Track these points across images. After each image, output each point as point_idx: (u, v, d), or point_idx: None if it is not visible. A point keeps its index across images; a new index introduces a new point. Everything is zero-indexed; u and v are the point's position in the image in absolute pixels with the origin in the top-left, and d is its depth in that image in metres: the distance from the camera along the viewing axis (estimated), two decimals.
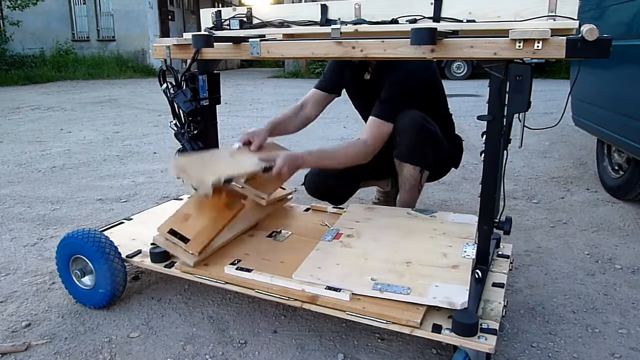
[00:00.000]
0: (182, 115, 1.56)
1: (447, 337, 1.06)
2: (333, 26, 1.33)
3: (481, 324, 1.08)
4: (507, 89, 1.14)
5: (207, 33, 1.50)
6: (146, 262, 1.44)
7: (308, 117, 1.90)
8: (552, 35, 1.00)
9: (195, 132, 1.57)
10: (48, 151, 3.83)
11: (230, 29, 1.54)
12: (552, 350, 1.27)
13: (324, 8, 1.40)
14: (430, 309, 1.13)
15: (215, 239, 1.41)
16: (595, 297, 1.53)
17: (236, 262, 1.38)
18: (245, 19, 1.52)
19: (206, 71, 1.57)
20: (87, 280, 1.48)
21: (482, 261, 1.27)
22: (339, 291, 1.18)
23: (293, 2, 9.09)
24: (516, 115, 1.19)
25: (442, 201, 2.48)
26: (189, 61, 1.46)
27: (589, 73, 2.47)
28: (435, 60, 1.21)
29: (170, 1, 13.95)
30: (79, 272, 1.48)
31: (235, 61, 17.15)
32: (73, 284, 1.50)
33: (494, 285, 1.29)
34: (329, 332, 1.36)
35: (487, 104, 1.17)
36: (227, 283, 1.31)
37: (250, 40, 1.34)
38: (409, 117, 1.65)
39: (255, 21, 1.51)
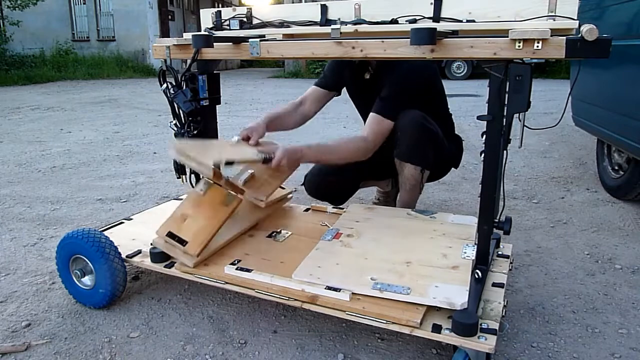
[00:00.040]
0: (182, 115, 1.56)
1: (447, 337, 1.06)
2: (333, 26, 1.33)
3: (481, 324, 1.08)
4: (507, 89, 1.14)
5: (207, 33, 1.50)
6: (146, 262, 1.44)
7: (307, 114, 1.90)
8: (552, 35, 1.00)
9: (195, 132, 1.57)
10: (48, 151, 3.83)
11: (230, 29, 1.54)
12: (552, 350, 1.27)
13: (324, 8, 1.40)
14: (430, 309, 1.13)
15: (214, 238, 1.41)
16: (595, 297, 1.53)
17: (236, 262, 1.38)
18: (245, 19, 1.52)
19: (206, 71, 1.57)
20: (87, 280, 1.48)
21: (482, 261, 1.27)
22: (339, 291, 1.18)
23: (293, 2, 9.10)
24: (516, 115, 1.19)
25: (442, 201, 2.48)
26: (189, 61, 1.46)
27: (589, 73, 2.47)
28: (435, 60, 1.21)
29: (170, 1, 13.95)
30: (79, 272, 1.48)
31: (235, 61, 17.15)
32: (73, 284, 1.50)
33: (494, 285, 1.29)
34: (329, 332, 1.36)
35: (487, 104, 1.17)
36: (227, 283, 1.31)
37: (250, 40, 1.34)
38: (409, 117, 1.65)
39: (255, 21, 1.51)
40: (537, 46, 1.01)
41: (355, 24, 1.35)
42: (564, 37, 1.00)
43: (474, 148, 3.51)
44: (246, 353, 1.28)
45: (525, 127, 1.23)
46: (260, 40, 1.34)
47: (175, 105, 1.53)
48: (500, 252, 1.48)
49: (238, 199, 1.43)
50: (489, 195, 1.23)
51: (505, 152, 1.22)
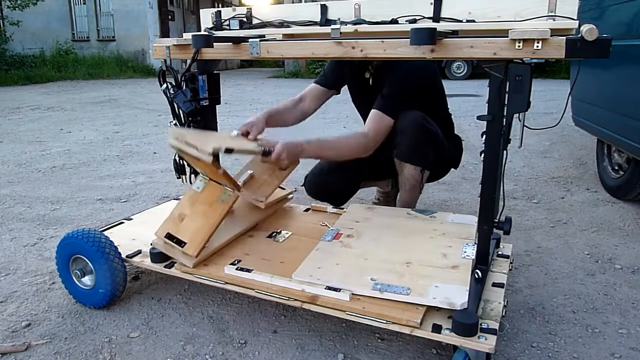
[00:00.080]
0: (182, 115, 1.56)
1: (447, 337, 1.06)
2: (333, 26, 1.33)
3: (481, 324, 1.08)
4: (507, 89, 1.14)
5: (207, 33, 1.49)
6: (146, 262, 1.44)
7: (306, 111, 1.90)
8: (551, 35, 1.00)
9: None
10: (48, 151, 3.83)
11: (230, 29, 1.54)
12: (552, 350, 1.27)
13: (324, 8, 1.40)
14: (430, 309, 1.13)
15: (214, 238, 1.41)
16: (595, 297, 1.53)
17: (236, 262, 1.38)
18: (245, 19, 1.52)
19: (206, 71, 1.57)
20: (87, 280, 1.48)
21: (482, 261, 1.27)
22: (339, 291, 1.18)
23: (293, 2, 9.10)
24: (516, 115, 1.19)
25: (442, 201, 2.48)
26: (188, 61, 1.46)
27: (589, 73, 2.47)
28: (435, 60, 1.21)
29: (170, 1, 13.95)
30: (79, 272, 1.48)
31: (235, 61, 17.15)
32: (73, 284, 1.50)
33: (494, 285, 1.29)
34: (329, 332, 1.36)
35: (487, 104, 1.17)
36: (227, 283, 1.31)
37: (250, 40, 1.34)
38: (409, 117, 1.65)
39: (255, 21, 1.51)
40: (537, 46, 1.01)
41: (355, 24, 1.35)
42: (564, 37, 1.00)
43: (474, 148, 3.51)
44: (246, 353, 1.28)
45: (525, 127, 1.23)
46: (260, 40, 1.34)
47: (175, 105, 1.53)
48: (500, 252, 1.48)
49: (235, 195, 1.41)
50: (489, 195, 1.23)
51: (505, 152, 1.22)
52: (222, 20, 1.56)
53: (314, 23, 1.42)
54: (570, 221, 2.18)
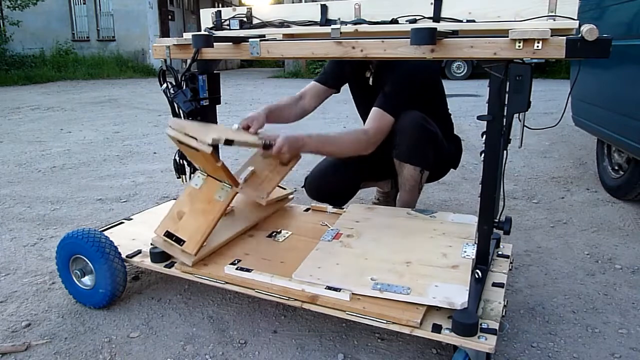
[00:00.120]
0: (182, 115, 1.56)
1: (447, 337, 1.06)
2: (333, 26, 1.33)
3: (481, 324, 1.08)
4: (507, 89, 1.14)
5: (207, 33, 1.50)
6: (146, 262, 1.44)
7: (306, 108, 1.90)
8: (552, 35, 1.00)
9: None
10: (48, 151, 3.83)
11: (230, 29, 1.54)
12: (552, 350, 1.27)
13: (324, 8, 1.40)
14: (430, 309, 1.13)
15: (214, 237, 1.41)
16: (595, 297, 1.53)
17: (236, 262, 1.38)
18: (245, 19, 1.52)
19: (206, 71, 1.57)
20: (87, 280, 1.48)
21: (482, 261, 1.27)
22: (339, 291, 1.18)
23: (293, 2, 9.10)
24: (516, 115, 1.19)
25: (442, 201, 2.48)
26: (189, 61, 1.46)
27: (589, 73, 2.47)
28: (435, 60, 1.21)
29: (170, 1, 13.95)
30: (79, 272, 1.48)
31: (235, 61, 17.15)
32: (73, 284, 1.50)
33: (494, 285, 1.29)
34: (329, 332, 1.36)
35: (487, 104, 1.17)
36: (227, 283, 1.31)
37: (250, 40, 1.34)
38: (409, 118, 1.65)
39: (255, 21, 1.51)
40: (537, 46, 1.01)
41: (355, 24, 1.35)
42: (564, 37, 1.00)
43: (474, 148, 3.51)
44: (246, 353, 1.28)
45: (525, 127, 1.23)
46: (260, 40, 1.34)
47: (175, 105, 1.53)
48: (500, 252, 1.48)
49: (233, 192, 1.40)
50: (489, 195, 1.23)
51: (505, 152, 1.22)
52: (222, 20, 1.56)
53: (314, 23, 1.42)
54: (570, 221, 2.18)
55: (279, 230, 1.61)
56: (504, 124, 1.17)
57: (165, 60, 1.51)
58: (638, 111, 1.94)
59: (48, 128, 4.93)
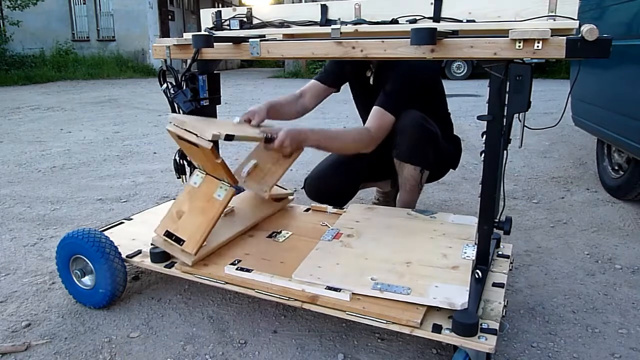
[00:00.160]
0: None
1: (447, 337, 1.06)
2: (333, 26, 1.33)
3: (481, 324, 1.08)
4: (507, 89, 1.14)
5: (207, 33, 1.50)
6: (146, 262, 1.44)
7: (306, 106, 1.90)
8: (552, 35, 1.00)
9: None
10: (48, 151, 3.83)
11: (230, 29, 1.54)
12: (552, 350, 1.27)
13: (324, 8, 1.40)
14: (430, 309, 1.13)
15: (214, 237, 1.40)
16: (595, 297, 1.53)
17: (236, 262, 1.38)
18: (245, 19, 1.52)
19: (206, 71, 1.57)
20: (87, 280, 1.48)
21: (482, 261, 1.27)
22: (339, 291, 1.18)
23: (293, 2, 9.10)
24: (516, 115, 1.19)
25: (442, 201, 2.48)
26: (189, 61, 1.46)
27: (589, 73, 2.47)
28: (435, 60, 1.21)
29: (170, 1, 13.95)
30: (79, 272, 1.48)
31: (235, 61, 17.15)
32: (73, 284, 1.50)
33: (494, 285, 1.28)
34: (329, 332, 1.36)
35: (487, 104, 1.17)
36: (227, 283, 1.31)
37: (250, 40, 1.34)
38: (409, 118, 1.65)
39: (255, 21, 1.51)
40: (538, 46, 1.01)
41: (355, 24, 1.35)
42: (564, 37, 1.00)
43: (474, 148, 3.51)
44: (246, 353, 1.28)
45: (525, 127, 1.23)
46: (260, 40, 1.34)
47: (176, 105, 1.53)
48: (500, 252, 1.48)
49: (232, 191, 1.38)
50: (489, 195, 1.23)
51: (505, 152, 1.22)
52: (222, 20, 1.56)
53: (314, 23, 1.42)
54: (570, 221, 2.18)
55: (279, 231, 1.61)
56: (504, 124, 1.17)
57: (166, 61, 1.52)
58: (638, 111, 1.94)
59: (48, 128, 4.93)
